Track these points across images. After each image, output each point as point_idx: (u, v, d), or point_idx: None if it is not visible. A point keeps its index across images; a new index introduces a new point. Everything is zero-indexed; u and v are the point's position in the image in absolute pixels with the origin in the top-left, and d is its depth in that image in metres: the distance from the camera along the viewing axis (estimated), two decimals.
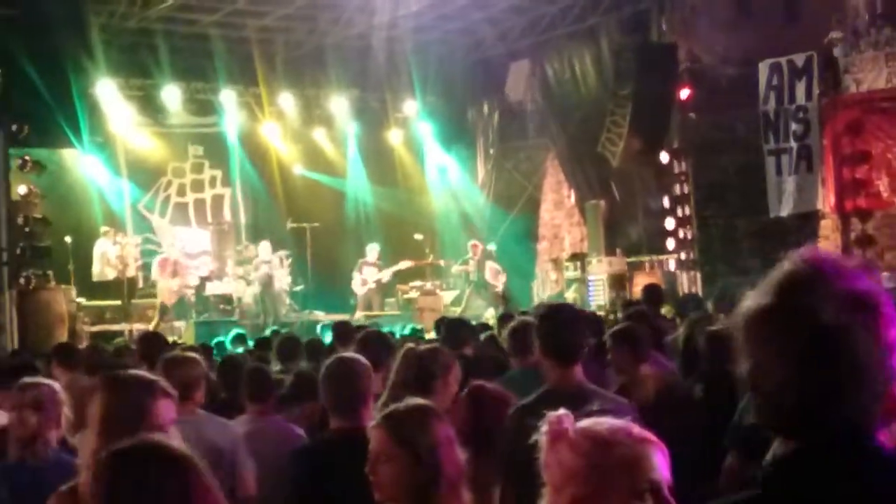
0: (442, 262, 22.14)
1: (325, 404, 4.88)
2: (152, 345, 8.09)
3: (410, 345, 5.66)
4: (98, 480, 2.51)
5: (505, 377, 6.20)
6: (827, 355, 1.61)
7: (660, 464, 2.19)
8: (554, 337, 4.74)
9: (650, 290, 11.38)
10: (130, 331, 17.88)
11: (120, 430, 3.07)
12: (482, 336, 8.92)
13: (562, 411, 2.35)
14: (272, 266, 19.62)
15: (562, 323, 4.81)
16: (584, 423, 2.31)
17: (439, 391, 4.97)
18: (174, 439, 3.28)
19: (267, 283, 19.46)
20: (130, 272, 19.00)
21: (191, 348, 9.88)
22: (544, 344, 4.78)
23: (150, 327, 17.82)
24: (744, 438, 4.95)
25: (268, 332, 13.40)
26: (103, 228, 19.28)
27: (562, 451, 2.27)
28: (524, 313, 9.94)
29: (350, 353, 5.30)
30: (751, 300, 1.72)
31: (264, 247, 19.84)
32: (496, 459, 4.36)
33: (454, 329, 8.38)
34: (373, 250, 20.73)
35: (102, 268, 19.10)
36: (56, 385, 4.62)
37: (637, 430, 2.26)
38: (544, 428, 2.32)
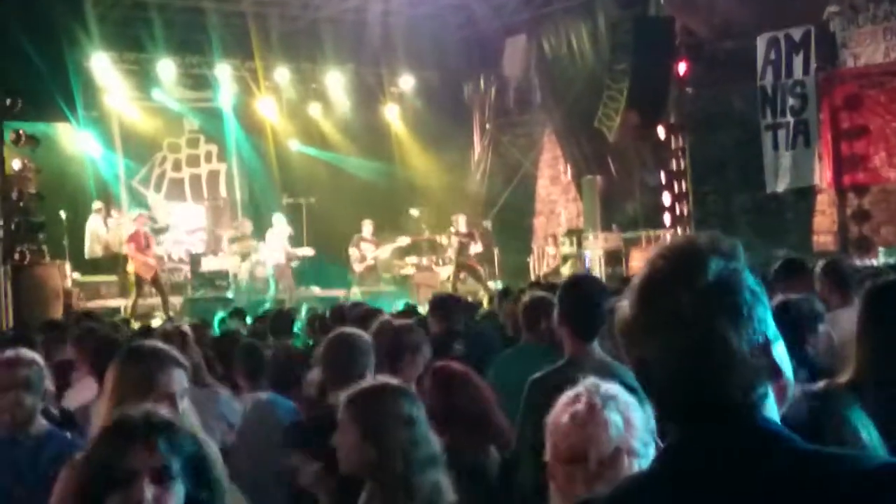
0: (438, 238, 22.10)
1: (325, 378, 4.86)
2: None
3: (386, 318, 5.66)
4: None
5: (514, 350, 6.21)
6: (698, 348, 1.67)
7: None
8: (577, 309, 4.61)
9: None
10: (126, 307, 17.87)
11: (130, 399, 3.14)
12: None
13: (589, 381, 2.60)
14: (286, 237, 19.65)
15: (586, 296, 4.68)
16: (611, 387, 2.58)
17: (407, 367, 4.97)
18: (185, 410, 3.32)
19: (281, 255, 19.50)
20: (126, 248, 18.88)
21: (193, 324, 9.89)
22: (566, 315, 4.64)
23: (129, 304, 17.75)
24: None
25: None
26: (95, 205, 19.13)
27: (617, 413, 2.52)
28: (523, 290, 9.89)
29: (351, 329, 5.29)
30: (626, 304, 1.76)
31: (278, 218, 19.77)
32: (466, 434, 4.33)
33: (444, 305, 8.31)
34: (368, 226, 20.68)
35: (92, 244, 19.00)
36: (39, 358, 4.51)
37: None
38: (577, 404, 2.54)
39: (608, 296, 4.83)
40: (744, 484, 1.62)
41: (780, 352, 1.72)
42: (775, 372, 1.70)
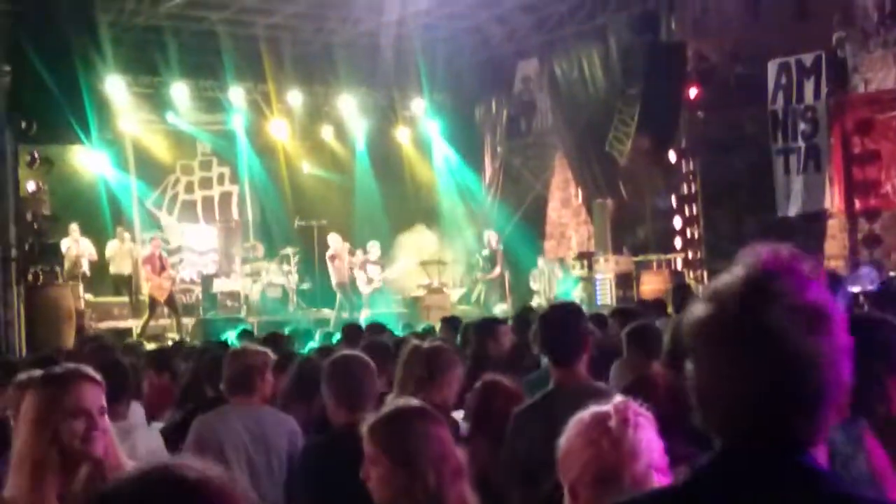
0: (448, 261, 22.14)
1: (332, 400, 4.85)
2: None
3: (416, 342, 5.69)
4: None
5: (538, 373, 6.26)
6: (783, 371, 1.60)
7: None
8: (549, 337, 4.76)
9: (678, 290, 11.50)
10: (136, 327, 17.95)
11: (45, 425, 3.14)
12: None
13: (617, 400, 2.65)
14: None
15: (556, 323, 4.81)
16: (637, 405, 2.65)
17: (444, 387, 5.03)
18: (108, 431, 3.29)
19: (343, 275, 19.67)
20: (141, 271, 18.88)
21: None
22: (541, 344, 4.82)
23: (139, 325, 17.80)
24: None
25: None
26: (72, 226, 18.66)
27: (647, 430, 2.57)
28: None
29: (355, 352, 5.34)
30: (703, 305, 1.68)
31: (334, 238, 19.90)
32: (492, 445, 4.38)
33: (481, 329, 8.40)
34: (374, 248, 20.75)
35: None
36: None
37: None
38: (608, 423, 2.57)
39: (583, 321, 4.90)
40: None
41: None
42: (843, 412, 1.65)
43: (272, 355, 5.65)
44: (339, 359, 4.96)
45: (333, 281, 19.94)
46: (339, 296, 20.00)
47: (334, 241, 20.03)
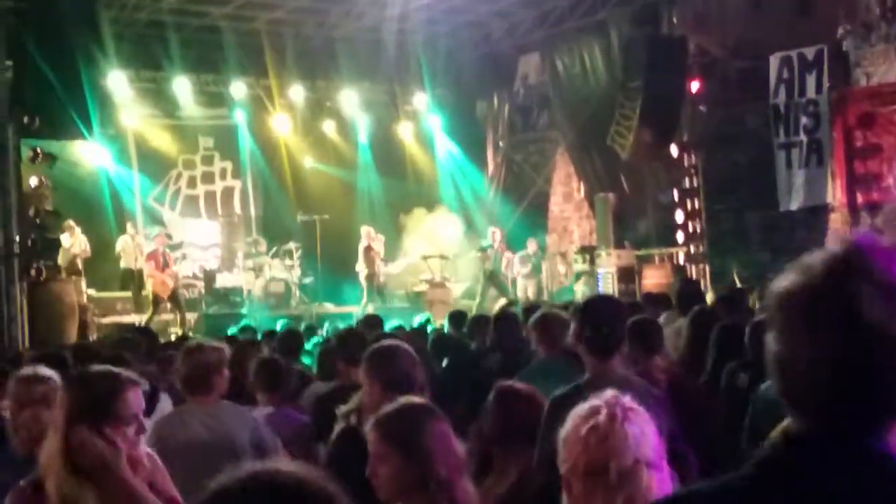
0: (451, 255, 22.14)
1: (377, 388, 4.76)
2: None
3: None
4: None
5: (532, 366, 6.25)
6: (861, 345, 1.58)
7: None
8: (592, 330, 4.70)
9: (686, 285, 11.50)
10: (140, 323, 17.94)
11: (87, 424, 3.15)
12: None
13: (609, 393, 2.69)
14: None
15: (601, 316, 4.76)
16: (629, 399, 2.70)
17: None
18: (145, 430, 3.32)
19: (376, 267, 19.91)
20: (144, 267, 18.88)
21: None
22: (583, 337, 4.75)
23: (143, 321, 17.80)
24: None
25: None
26: (67, 223, 18.31)
27: (637, 425, 2.59)
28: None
29: (395, 341, 5.27)
30: (791, 278, 1.67)
31: (368, 230, 20.13)
32: (529, 453, 4.33)
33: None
34: (378, 243, 20.74)
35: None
36: (56, 376, 4.41)
37: None
38: (598, 417, 2.60)
39: (624, 315, 4.89)
40: None
41: None
42: None
43: (228, 351, 5.62)
44: (383, 348, 4.88)
45: (364, 273, 19.84)
46: (367, 288, 19.90)
47: (368, 232, 20.03)
